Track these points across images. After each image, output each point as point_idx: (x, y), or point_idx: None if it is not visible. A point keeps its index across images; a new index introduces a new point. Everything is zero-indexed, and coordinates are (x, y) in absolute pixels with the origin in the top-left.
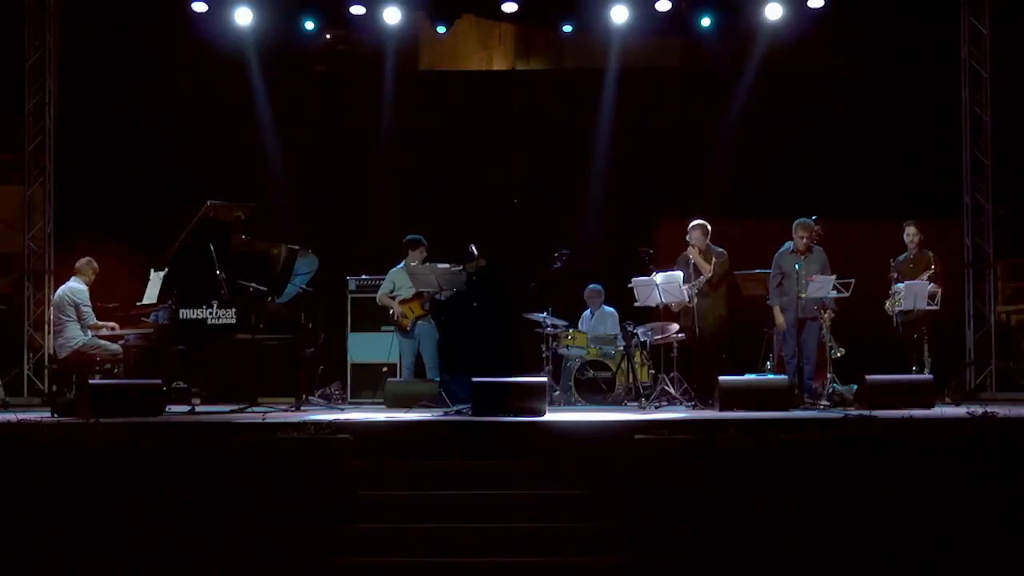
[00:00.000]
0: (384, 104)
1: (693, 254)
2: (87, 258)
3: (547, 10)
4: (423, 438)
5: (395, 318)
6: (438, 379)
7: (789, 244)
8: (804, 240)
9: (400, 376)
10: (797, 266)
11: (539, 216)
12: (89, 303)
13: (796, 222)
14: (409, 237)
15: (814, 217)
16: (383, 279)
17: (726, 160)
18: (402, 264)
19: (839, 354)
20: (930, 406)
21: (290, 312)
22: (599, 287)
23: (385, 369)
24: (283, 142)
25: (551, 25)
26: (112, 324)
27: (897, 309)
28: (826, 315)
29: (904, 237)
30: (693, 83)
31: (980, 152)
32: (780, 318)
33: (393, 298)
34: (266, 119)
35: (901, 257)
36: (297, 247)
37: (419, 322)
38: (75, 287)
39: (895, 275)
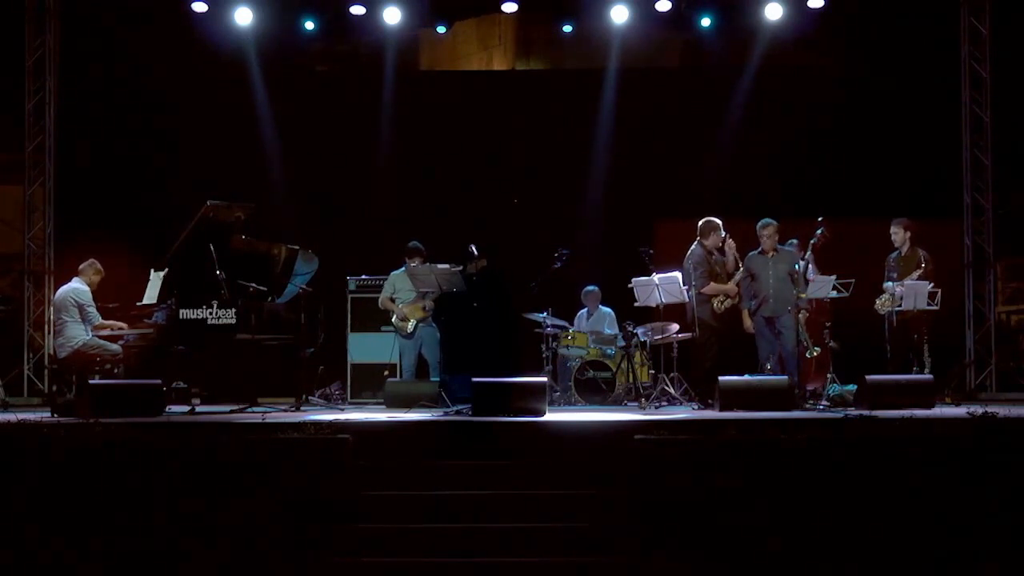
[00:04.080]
0: (384, 104)
1: (732, 250)
2: (91, 260)
3: (547, 10)
4: (423, 438)
5: (395, 321)
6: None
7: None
8: (769, 241)
9: (401, 376)
10: (797, 266)
11: (539, 216)
12: (93, 303)
13: (760, 223)
14: (412, 244)
15: (820, 218)
16: (383, 279)
17: (726, 160)
18: (403, 268)
19: (815, 353)
20: (930, 406)
21: (290, 312)
22: (596, 288)
23: (387, 373)
24: (283, 142)
25: (551, 21)
26: (121, 324)
27: (887, 309)
28: (801, 316)
29: (891, 236)
30: (693, 83)
31: (980, 152)
32: (748, 321)
33: (393, 301)
34: (266, 119)
35: (893, 255)
36: (297, 247)
37: (420, 325)
38: (78, 287)
39: (894, 274)
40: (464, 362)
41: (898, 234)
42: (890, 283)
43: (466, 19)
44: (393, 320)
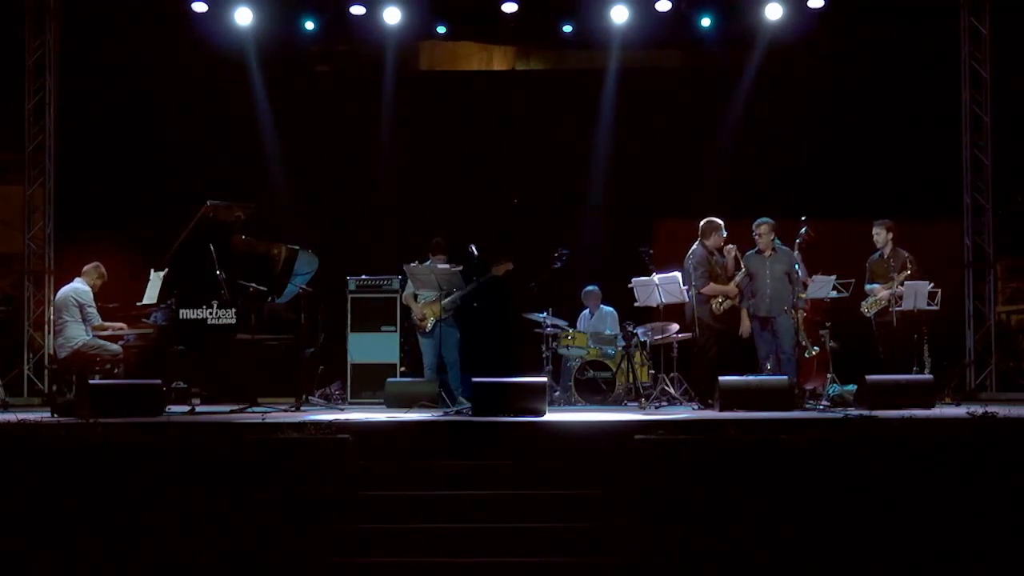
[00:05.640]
0: (384, 104)
1: (732, 254)
2: (96, 263)
3: (547, 11)
4: (423, 438)
5: (414, 320)
6: (459, 380)
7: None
8: (764, 239)
9: (424, 375)
10: (797, 266)
11: (539, 216)
12: (94, 304)
13: (756, 222)
14: (436, 240)
15: (804, 218)
16: (383, 279)
17: (726, 160)
18: (428, 263)
19: (813, 353)
20: (930, 406)
21: (290, 312)
22: (596, 288)
23: (403, 369)
24: (283, 142)
25: (549, 34)
26: (120, 324)
27: (873, 312)
28: (797, 314)
29: (873, 237)
30: (693, 83)
31: (980, 152)
32: (746, 323)
33: (416, 299)
34: (266, 119)
35: (875, 256)
36: (297, 247)
37: (441, 324)
38: (79, 288)
39: (894, 275)
40: (465, 362)
41: (880, 235)
42: (875, 285)
43: (467, 40)
44: (412, 317)
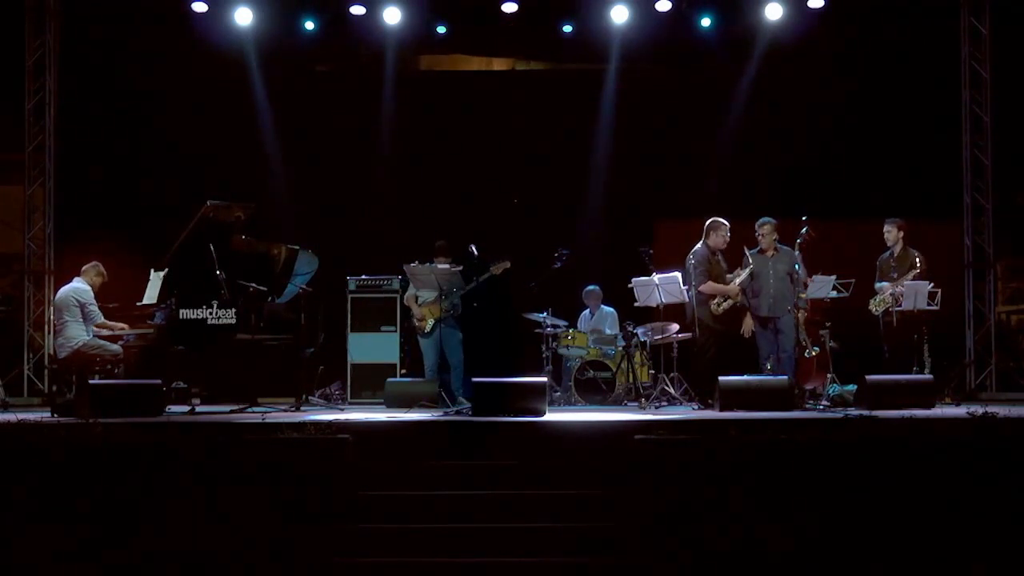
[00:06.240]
0: (384, 104)
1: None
2: (94, 262)
3: (547, 11)
4: (423, 438)
5: (414, 321)
6: (461, 381)
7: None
8: (767, 239)
9: (425, 376)
10: (797, 266)
11: (539, 216)
12: (95, 302)
13: (757, 222)
14: (439, 243)
15: (804, 218)
16: (383, 279)
17: (726, 160)
18: (429, 265)
19: (813, 353)
20: (930, 406)
21: (290, 312)
22: (597, 288)
23: (404, 370)
24: (283, 142)
25: (549, 35)
26: (122, 324)
27: (880, 310)
28: (800, 316)
29: (884, 235)
30: (693, 83)
31: (980, 152)
32: (748, 321)
33: (417, 300)
34: (266, 119)
35: (885, 255)
36: (297, 247)
37: (441, 324)
38: (79, 287)
39: (894, 274)
40: (465, 362)
41: (891, 233)
42: (884, 283)
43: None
44: (412, 318)
